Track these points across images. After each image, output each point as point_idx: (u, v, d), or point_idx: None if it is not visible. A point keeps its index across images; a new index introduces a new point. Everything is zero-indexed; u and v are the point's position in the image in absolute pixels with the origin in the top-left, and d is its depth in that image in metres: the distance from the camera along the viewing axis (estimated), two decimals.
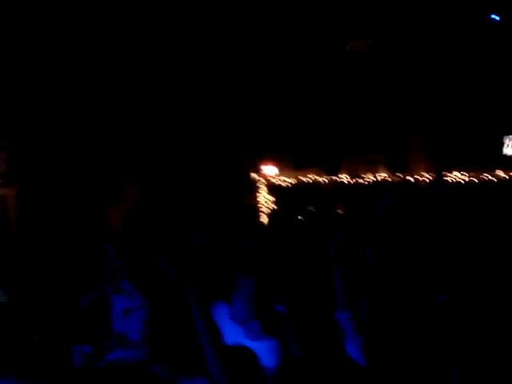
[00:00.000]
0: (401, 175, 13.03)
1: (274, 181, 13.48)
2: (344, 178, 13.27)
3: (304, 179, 13.39)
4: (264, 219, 12.76)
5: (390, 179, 13.13)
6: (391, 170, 13.20)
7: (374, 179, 13.19)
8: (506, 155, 12.58)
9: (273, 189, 13.41)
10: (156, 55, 9.34)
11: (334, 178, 13.33)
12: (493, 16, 7.91)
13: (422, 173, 12.87)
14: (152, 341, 4.46)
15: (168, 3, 7.75)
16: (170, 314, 4.45)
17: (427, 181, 12.69)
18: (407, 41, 9.78)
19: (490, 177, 12.65)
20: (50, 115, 9.78)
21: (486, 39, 9.63)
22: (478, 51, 10.26)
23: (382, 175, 13.20)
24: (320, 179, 13.36)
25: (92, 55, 9.09)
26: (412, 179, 12.92)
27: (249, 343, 3.29)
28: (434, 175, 12.17)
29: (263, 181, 13.47)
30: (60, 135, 9.93)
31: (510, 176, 12.61)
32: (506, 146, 12.57)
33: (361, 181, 13.23)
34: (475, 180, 12.67)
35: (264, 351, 3.22)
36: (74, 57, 8.93)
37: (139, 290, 4.87)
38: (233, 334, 3.43)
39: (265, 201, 13.30)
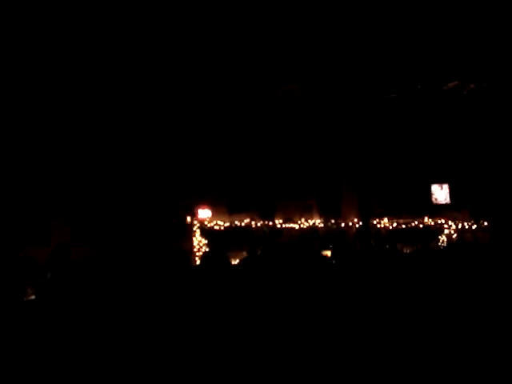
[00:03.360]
0: (333, 221, 13.29)
1: (208, 224, 13.47)
2: (277, 222, 13.41)
3: (238, 223, 13.45)
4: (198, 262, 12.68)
5: (322, 224, 13.35)
6: (324, 215, 13.43)
7: (307, 224, 13.38)
8: (433, 203, 13.02)
9: (207, 232, 13.39)
10: None
11: (267, 222, 13.45)
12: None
13: (354, 219, 13.16)
14: None
15: None
16: None
17: (357, 227, 12.96)
18: (340, 90, 10.07)
19: (418, 224, 13.04)
20: None
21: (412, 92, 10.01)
22: (406, 102, 10.65)
23: (315, 220, 13.42)
24: (253, 223, 13.45)
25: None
26: (343, 225, 13.21)
27: None
28: (362, 222, 12.43)
29: (198, 224, 13.45)
30: None
31: (436, 223, 13.02)
32: (433, 193, 13.02)
33: (294, 225, 13.39)
34: (404, 226, 13.02)
35: None
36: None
37: None
38: None
39: (198, 244, 13.25)
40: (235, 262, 11.25)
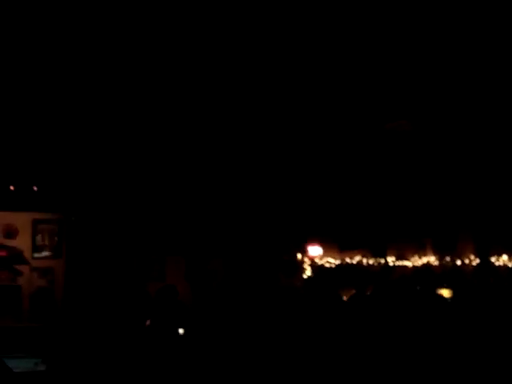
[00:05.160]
0: (449, 258, 12.86)
1: (318, 261, 13.43)
2: (390, 259, 13.15)
3: (349, 261, 13.31)
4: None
5: (437, 262, 12.95)
6: (439, 253, 13.03)
7: (422, 262, 13.03)
8: None
9: (317, 269, 13.34)
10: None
11: (379, 260, 13.22)
12: None
13: (471, 256, 12.67)
14: None
15: None
16: None
17: (474, 265, 12.46)
18: (452, 122, 9.84)
19: None
20: (99, 189, 10.16)
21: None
22: None
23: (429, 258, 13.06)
24: (365, 261, 13.27)
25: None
26: (460, 263, 12.74)
27: None
28: (480, 259, 11.93)
29: (308, 261, 13.43)
30: (107, 209, 10.27)
31: None
32: None
33: (407, 263, 13.07)
34: None
35: None
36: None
37: None
38: None
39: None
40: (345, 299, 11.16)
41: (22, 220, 10.31)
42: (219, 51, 6.58)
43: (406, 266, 13.12)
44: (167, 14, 5.71)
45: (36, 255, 10.40)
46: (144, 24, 5.95)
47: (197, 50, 6.55)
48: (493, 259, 12.44)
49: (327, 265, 13.37)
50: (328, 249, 13.51)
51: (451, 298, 10.26)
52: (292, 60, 6.68)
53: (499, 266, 12.49)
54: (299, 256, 13.41)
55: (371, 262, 13.26)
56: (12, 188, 9.86)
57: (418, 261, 13.07)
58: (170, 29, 6.03)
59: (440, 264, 12.98)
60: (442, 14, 5.86)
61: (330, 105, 8.08)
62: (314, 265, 13.39)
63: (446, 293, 11.05)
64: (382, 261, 13.21)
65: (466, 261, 12.76)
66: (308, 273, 13.29)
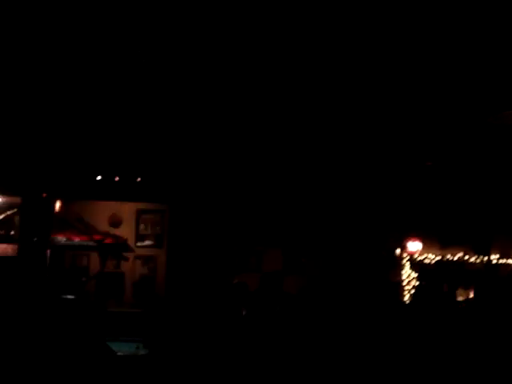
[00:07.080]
0: None
1: (418, 257, 13.13)
2: (493, 257, 12.67)
3: (450, 257, 12.93)
4: (406, 296, 12.43)
5: None
6: None
7: None
8: None
9: (416, 266, 13.05)
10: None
11: (483, 257, 12.75)
12: None
13: None
14: None
15: None
16: None
17: None
18: None
19: None
20: (202, 181, 10.41)
21: None
22: None
23: None
24: (467, 258, 12.85)
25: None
26: None
27: None
28: None
29: (407, 257, 13.17)
30: (209, 201, 10.50)
31: None
32: None
33: None
34: None
35: None
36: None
37: None
38: None
39: (408, 277, 12.96)
40: None
41: (126, 210, 10.74)
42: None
43: (510, 265, 12.61)
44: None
45: (139, 244, 10.81)
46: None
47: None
48: None
49: (427, 261, 13.05)
50: (428, 244, 13.19)
51: None
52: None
53: None
54: (398, 251, 13.18)
55: (473, 259, 12.83)
56: (117, 179, 10.27)
57: None
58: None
59: None
60: None
61: (428, 94, 7.80)
62: (412, 260, 13.11)
63: None
64: (485, 258, 12.75)
65: None
66: (407, 268, 13.03)
